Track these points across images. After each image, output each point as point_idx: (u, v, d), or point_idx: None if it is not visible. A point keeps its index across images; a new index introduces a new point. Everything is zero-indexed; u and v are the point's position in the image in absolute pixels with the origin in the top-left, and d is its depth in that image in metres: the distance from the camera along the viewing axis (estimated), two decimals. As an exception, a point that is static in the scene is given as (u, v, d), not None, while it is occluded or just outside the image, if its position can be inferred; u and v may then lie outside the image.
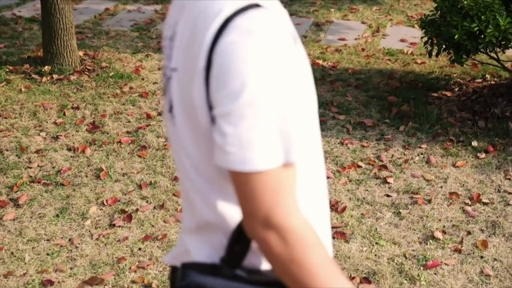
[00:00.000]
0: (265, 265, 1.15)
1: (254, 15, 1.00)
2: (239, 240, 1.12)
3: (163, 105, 1.23)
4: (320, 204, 1.23)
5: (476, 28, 3.77)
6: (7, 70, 5.10)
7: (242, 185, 1.02)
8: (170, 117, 1.17)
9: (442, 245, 3.02)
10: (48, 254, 2.97)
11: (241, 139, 0.99)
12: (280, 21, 1.03)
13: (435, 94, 4.67)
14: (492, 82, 4.73)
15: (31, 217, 3.25)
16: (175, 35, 1.13)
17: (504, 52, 4.25)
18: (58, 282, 2.78)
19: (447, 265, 2.88)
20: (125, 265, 2.89)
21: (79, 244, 3.04)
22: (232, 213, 1.12)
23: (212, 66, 1.00)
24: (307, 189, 1.16)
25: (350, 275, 2.77)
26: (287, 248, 1.02)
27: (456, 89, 4.72)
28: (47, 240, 3.07)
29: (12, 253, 2.98)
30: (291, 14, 6.70)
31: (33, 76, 4.98)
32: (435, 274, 2.83)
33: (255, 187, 1.01)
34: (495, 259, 2.92)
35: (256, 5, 1.01)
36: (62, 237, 3.09)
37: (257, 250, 1.13)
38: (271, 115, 0.99)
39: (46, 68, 5.02)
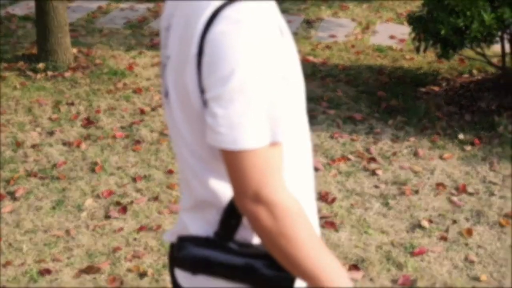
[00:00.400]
0: (256, 239, 1.23)
1: (242, 6, 1.08)
2: (231, 215, 1.20)
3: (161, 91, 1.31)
4: (306, 184, 1.31)
5: (461, 24, 3.87)
6: (2, 67, 5.17)
7: (233, 163, 1.10)
8: (167, 103, 1.26)
9: (428, 234, 3.12)
10: (45, 245, 3.04)
11: (230, 120, 1.07)
12: (267, 12, 1.11)
13: (423, 89, 4.77)
14: (479, 77, 4.84)
15: (28, 210, 3.32)
16: (171, 25, 1.22)
17: (489, 47, 4.35)
18: (56, 271, 2.86)
19: (433, 252, 2.97)
20: (121, 254, 2.97)
21: (75, 235, 3.12)
22: (224, 191, 1.21)
23: (204, 54, 1.08)
24: (293, 170, 1.24)
25: (339, 263, 2.86)
26: (276, 222, 1.10)
27: (444, 84, 4.82)
28: (44, 231, 3.15)
29: (10, 244, 3.05)
30: (282, 12, 6.77)
31: (28, 73, 5.05)
32: (422, 261, 2.93)
33: (244, 165, 1.09)
34: (479, 246, 3.02)
35: None
36: (58, 228, 3.17)
37: (248, 225, 1.22)
38: (258, 98, 1.07)
39: (41, 65, 5.09)
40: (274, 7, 1.19)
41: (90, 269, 2.87)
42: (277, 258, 1.15)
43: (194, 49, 1.09)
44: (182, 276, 1.31)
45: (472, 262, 2.91)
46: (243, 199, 1.11)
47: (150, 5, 7.12)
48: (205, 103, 1.11)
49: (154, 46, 5.75)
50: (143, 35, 6.15)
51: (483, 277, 2.81)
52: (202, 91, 1.11)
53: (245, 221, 1.22)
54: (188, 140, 1.21)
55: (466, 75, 4.94)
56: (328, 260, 1.17)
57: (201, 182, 1.23)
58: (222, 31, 1.06)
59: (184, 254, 1.23)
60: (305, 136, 1.29)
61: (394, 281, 2.80)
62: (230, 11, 1.07)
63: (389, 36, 6.03)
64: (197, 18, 1.10)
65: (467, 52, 4.69)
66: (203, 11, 1.09)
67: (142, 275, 2.84)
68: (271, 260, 1.19)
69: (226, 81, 1.06)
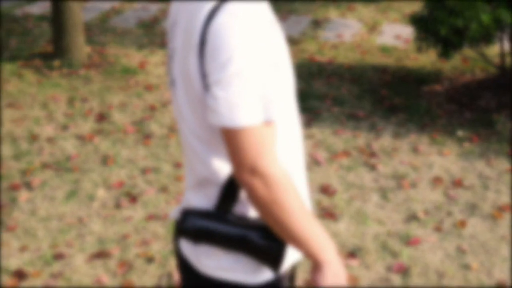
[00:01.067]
0: (251, 213, 1.39)
1: (239, 2, 1.25)
2: (229, 190, 1.37)
3: (168, 81, 1.48)
4: (296, 160, 1.47)
5: (461, 24, 4.00)
6: (19, 65, 5.37)
7: (231, 140, 1.26)
8: (173, 91, 1.42)
9: (423, 225, 3.25)
10: (59, 231, 3.22)
11: (229, 101, 1.23)
12: (260, 8, 1.28)
13: (426, 88, 4.90)
14: (480, 77, 4.96)
15: (43, 199, 3.50)
16: (177, 21, 1.39)
17: (488, 47, 4.47)
18: (69, 256, 3.04)
19: (427, 242, 3.11)
20: (130, 241, 3.14)
21: (87, 222, 3.29)
22: (223, 169, 1.37)
23: (207, 43, 1.24)
24: (284, 147, 1.40)
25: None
26: (269, 192, 1.26)
27: (446, 83, 4.95)
28: (58, 219, 3.33)
29: (26, 230, 3.23)
30: (291, 12, 6.94)
31: (44, 70, 5.25)
32: (416, 250, 3.07)
33: (242, 141, 1.24)
34: (471, 237, 3.15)
35: None
36: (72, 217, 3.35)
37: (245, 200, 1.38)
38: (253, 81, 1.23)
39: (56, 63, 5.28)
40: (266, 5, 1.35)
41: (101, 254, 3.04)
42: (271, 225, 1.31)
43: (196, 39, 1.26)
44: (186, 247, 1.48)
45: (464, 251, 3.04)
46: (241, 172, 1.27)
47: (162, 5, 7.31)
48: (206, 87, 1.27)
49: (165, 45, 5.92)
50: (155, 34, 6.33)
51: (474, 265, 2.95)
52: (203, 76, 1.27)
53: (242, 196, 1.38)
54: (191, 123, 1.37)
55: (468, 75, 5.06)
56: (317, 229, 1.33)
57: (202, 161, 1.39)
58: (222, 23, 1.23)
59: (188, 224, 1.39)
60: (295, 118, 1.44)
61: (389, 269, 2.94)
62: (229, 6, 1.24)
63: (395, 36, 6.16)
64: (199, 13, 1.27)
65: (468, 52, 4.82)
66: (204, 6, 1.26)
67: (150, 260, 3.01)
68: (263, 231, 1.35)
69: (225, 66, 1.22)
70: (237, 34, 1.21)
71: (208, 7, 1.25)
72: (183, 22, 1.34)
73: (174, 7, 1.45)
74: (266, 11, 1.32)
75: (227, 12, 1.23)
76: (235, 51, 1.21)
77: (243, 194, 1.37)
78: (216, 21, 1.23)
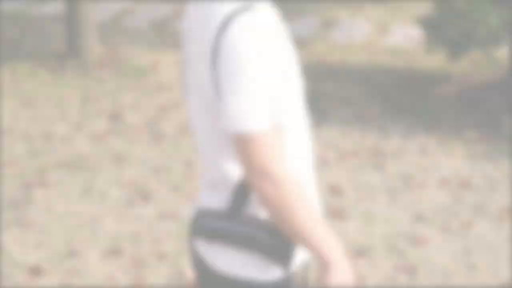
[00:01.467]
0: (261, 214, 1.46)
1: (250, 14, 1.32)
2: (241, 192, 1.43)
3: (183, 85, 1.55)
4: (304, 163, 1.53)
5: (469, 26, 4.04)
6: (33, 64, 5.47)
7: (242, 145, 1.32)
8: (188, 95, 1.49)
9: (431, 225, 3.31)
10: (73, 229, 3.30)
11: (240, 109, 1.30)
12: (269, 19, 1.35)
13: (434, 89, 4.95)
14: (489, 78, 5.00)
15: (57, 197, 3.59)
16: (191, 27, 1.46)
17: (495, 49, 4.51)
18: (83, 252, 3.12)
19: (434, 242, 3.17)
20: (143, 239, 3.22)
21: (101, 220, 3.37)
22: (234, 172, 1.44)
23: (220, 53, 1.31)
24: (293, 151, 1.46)
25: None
26: (278, 194, 1.32)
27: (454, 85, 5.00)
28: (72, 216, 3.41)
29: (41, 227, 3.32)
30: (299, 12, 7.00)
31: (57, 70, 5.34)
32: (423, 250, 3.12)
33: (252, 146, 1.31)
34: (478, 238, 3.20)
35: (251, 7, 1.33)
36: (86, 214, 3.43)
37: (255, 203, 1.44)
38: (263, 89, 1.30)
39: (69, 62, 5.38)
40: (275, 14, 1.42)
41: (114, 252, 3.12)
42: (280, 225, 1.38)
43: (209, 47, 1.33)
44: (201, 246, 1.55)
45: (470, 251, 3.10)
46: (251, 176, 1.34)
47: (174, 6, 7.38)
48: (218, 94, 1.34)
49: (177, 45, 5.99)
50: (167, 34, 6.40)
51: (480, 265, 3.00)
52: (215, 83, 1.34)
53: (253, 199, 1.44)
54: (204, 127, 1.44)
55: (477, 76, 5.10)
56: (324, 230, 1.39)
57: (215, 164, 1.46)
58: (234, 34, 1.29)
59: (202, 224, 1.46)
60: (303, 122, 1.51)
61: (396, 268, 3.00)
62: (242, 17, 1.31)
63: (404, 37, 6.20)
64: (213, 22, 1.34)
65: (477, 54, 4.85)
66: (217, 16, 1.33)
67: (162, 258, 3.08)
68: (273, 231, 1.42)
69: (236, 75, 1.29)
70: (249, 45, 1.28)
71: (221, 17, 1.32)
72: (197, 29, 1.40)
73: (188, 14, 1.51)
74: (274, 20, 1.39)
75: (239, 24, 1.30)
76: (246, 61, 1.28)
77: (254, 196, 1.44)
78: (229, 32, 1.30)
